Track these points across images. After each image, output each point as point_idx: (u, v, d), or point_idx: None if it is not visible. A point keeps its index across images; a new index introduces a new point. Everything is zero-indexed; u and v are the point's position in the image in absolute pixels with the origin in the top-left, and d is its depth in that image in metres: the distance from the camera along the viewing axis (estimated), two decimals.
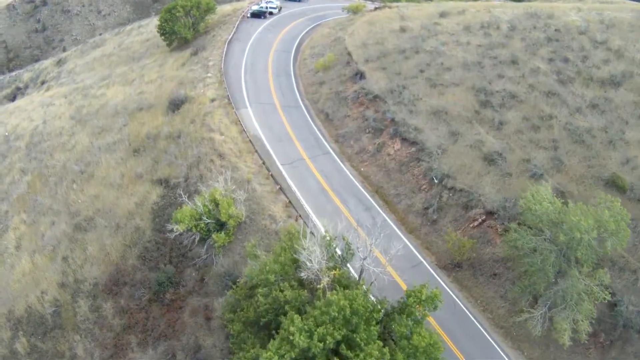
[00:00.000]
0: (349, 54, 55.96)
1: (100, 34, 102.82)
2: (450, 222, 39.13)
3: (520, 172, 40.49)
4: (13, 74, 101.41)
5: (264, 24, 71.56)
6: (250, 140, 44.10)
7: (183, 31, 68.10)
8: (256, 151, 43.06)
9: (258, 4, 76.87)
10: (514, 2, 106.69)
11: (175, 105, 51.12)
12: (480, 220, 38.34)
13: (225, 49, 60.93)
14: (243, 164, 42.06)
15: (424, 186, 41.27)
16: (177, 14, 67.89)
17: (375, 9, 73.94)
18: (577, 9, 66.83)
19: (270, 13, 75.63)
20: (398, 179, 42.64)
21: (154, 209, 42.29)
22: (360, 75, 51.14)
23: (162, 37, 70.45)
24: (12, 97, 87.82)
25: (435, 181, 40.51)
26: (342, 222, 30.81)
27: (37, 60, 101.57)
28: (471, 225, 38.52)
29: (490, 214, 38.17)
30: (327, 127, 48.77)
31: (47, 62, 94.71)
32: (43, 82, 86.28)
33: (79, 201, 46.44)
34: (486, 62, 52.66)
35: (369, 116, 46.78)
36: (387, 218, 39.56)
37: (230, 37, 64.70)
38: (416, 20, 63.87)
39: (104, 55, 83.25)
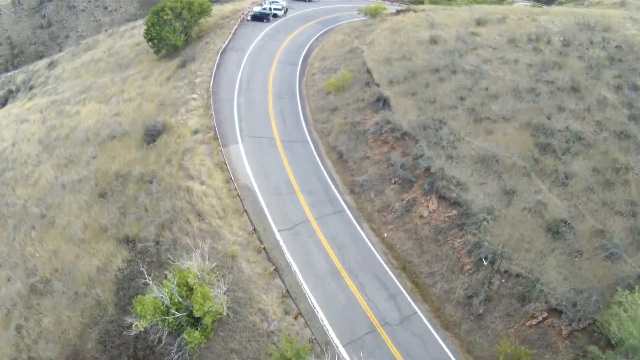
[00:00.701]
0: (369, 71, 45.05)
1: (107, 29, 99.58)
2: (501, 318, 28.66)
3: (593, 249, 29.89)
4: (9, 74, 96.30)
5: (266, 28, 60.69)
6: (238, 194, 33.51)
7: (172, 37, 57.49)
8: (245, 211, 32.48)
9: (260, 5, 65.88)
10: (549, 7, 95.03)
11: (151, 136, 40.72)
12: (540, 318, 27.83)
13: (217, 61, 50.21)
14: (227, 230, 31.56)
15: (468, 266, 30.58)
16: (165, 17, 57.21)
17: (398, 12, 62.69)
18: (631, 20, 55.63)
19: (275, 15, 64.68)
20: (433, 252, 31.97)
21: (118, 277, 32.85)
22: (383, 102, 40.25)
23: (149, 44, 59.93)
24: (4, 101, 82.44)
25: (485, 263, 29.81)
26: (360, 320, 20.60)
27: (41, 57, 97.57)
28: (528, 324, 28.05)
29: (554, 310, 27.68)
30: (340, 171, 38.05)
31: (40, 64, 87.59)
32: (31, 88, 78.76)
33: (37, 255, 38.43)
34: (541, 87, 41.62)
35: (395, 160, 35.96)
36: (416, 308, 29.14)
37: (224, 46, 53.93)
38: (449, 29, 52.72)
39: (92, 61, 74.26)
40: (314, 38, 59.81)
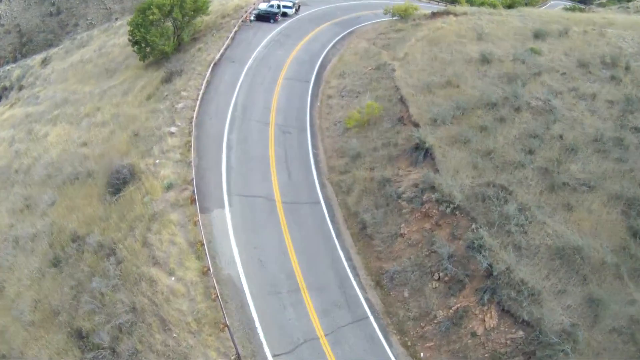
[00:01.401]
0: (403, 101, 34.47)
1: (116, 18, 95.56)
2: None
3: None
4: (7, 67, 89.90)
5: (272, 31, 49.93)
6: (218, 295, 23.45)
7: (159, 42, 47.04)
8: (227, 326, 22.46)
9: (267, 1, 54.88)
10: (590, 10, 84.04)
11: (116, 185, 30.87)
12: None
13: (207, 77, 39.78)
14: (201, 352, 21.68)
15: None
16: (152, 17, 46.61)
17: (434, 14, 51.48)
18: None
19: (284, 15, 53.75)
20: None
21: None
22: (424, 152, 29.74)
23: (134, 49, 49.59)
24: None
25: None
26: None
27: (50, 45, 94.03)
28: None
29: None
30: (362, 251, 27.82)
31: (36, 59, 79.81)
32: (20, 88, 70.61)
33: None
34: (629, 138, 30.81)
35: (440, 246, 25.63)
36: None
37: (219, 56, 43.38)
38: (502, 43, 41.77)
39: (81, 62, 64.87)
40: (331, 45, 49.05)
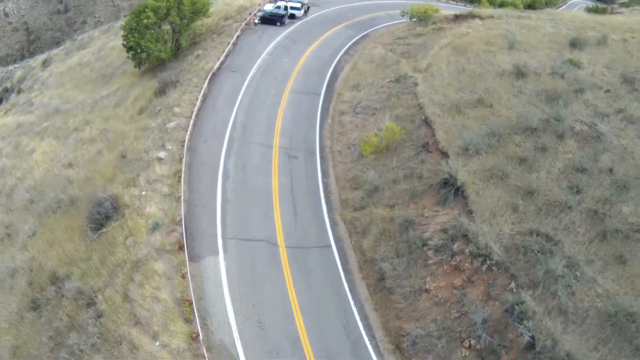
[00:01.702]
0: (427, 122, 30.15)
1: (125, 16, 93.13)
2: None
3: None
4: (10, 67, 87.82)
5: (279, 36, 45.65)
6: None
7: (154, 48, 43.03)
8: None
9: (274, 2, 50.46)
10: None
11: (98, 220, 27.02)
12: None
13: (204, 90, 35.70)
14: None
15: None
16: (146, 21, 42.55)
17: (457, 17, 46.85)
18: None
19: (292, 17, 49.41)
20: None
21: None
22: (454, 190, 25.44)
23: (128, 55, 45.68)
24: None
25: None
26: None
27: (57, 43, 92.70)
28: None
29: None
30: (380, 306, 23.65)
31: (38, 60, 77.31)
32: (19, 92, 67.71)
33: None
34: None
35: (473, 308, 21.48)
36: None
37: (218, 64, 39.24)
38: (536, 52, 37.18)
39: (80, 65, 61.58)
40: (343, 50, 44.69)
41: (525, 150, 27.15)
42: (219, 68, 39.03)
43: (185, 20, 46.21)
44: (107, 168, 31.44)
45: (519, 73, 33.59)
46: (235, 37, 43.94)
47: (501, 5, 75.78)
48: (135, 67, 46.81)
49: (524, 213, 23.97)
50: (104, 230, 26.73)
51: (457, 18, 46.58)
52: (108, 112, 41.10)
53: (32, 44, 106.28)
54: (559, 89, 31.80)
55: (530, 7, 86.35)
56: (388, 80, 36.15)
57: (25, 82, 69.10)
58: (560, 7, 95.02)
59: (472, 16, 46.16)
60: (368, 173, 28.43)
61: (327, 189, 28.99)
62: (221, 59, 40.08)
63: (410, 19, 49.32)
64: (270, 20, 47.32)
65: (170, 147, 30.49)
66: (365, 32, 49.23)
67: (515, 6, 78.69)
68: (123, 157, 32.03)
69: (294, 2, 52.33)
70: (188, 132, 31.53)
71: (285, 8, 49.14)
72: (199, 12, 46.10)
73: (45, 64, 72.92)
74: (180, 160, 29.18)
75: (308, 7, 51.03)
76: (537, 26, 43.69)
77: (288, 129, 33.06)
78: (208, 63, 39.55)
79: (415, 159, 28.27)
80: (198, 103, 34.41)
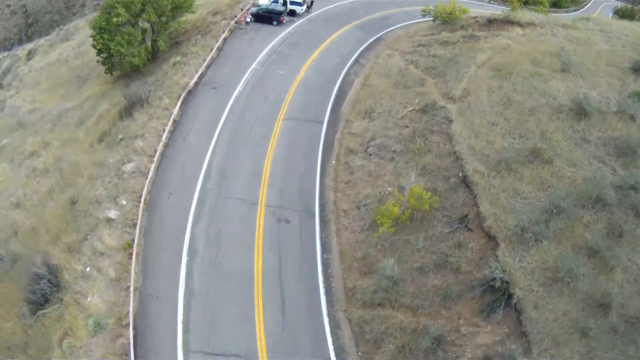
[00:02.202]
0: (467, 183, 22.38)
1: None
2: None
3: None
4: (5, 53, 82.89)
5: (275, 37, 37.42)
6: None
7: (125, 52, 35.13)
8: None
9: None
10: None
11: (36, 301, 20.38)
12: None
13: (173, 116, 27.82)
14: None
15: None
16: (116, 20, 34.54)
17: (491, 22, 38.50)
18: None
19: (292, 13, 41.05)
20: None
21: None
22: (506, 297, 17.87)
23: (99, 58, 37.78)
24: None
25: None
26: None
27: (56, 27, 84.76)
28: None
29: None
30: None
31: (25, 50, 71.17)
32: (0, 87, 61.19)
33: None
34: None
35: None
36: None
37: (196, 78, 31.22)
38: (593, 78, 29.92)
39: (59, 61, 54.02)
40: (353, 59, 36.57)
41: (596, 234, 19.58)
42: (197, 83, 31.01)
43: (165, 18, 38.00)
44: (55, 218, 24.28)
45: (580, 111, 25.71)
46: (221, 40, 35.73)
47: (525, 3, 67.68)
48: (106, 72, 38.94)
49: (596, 340, 16.56)
50: (41, 314, 19.76)
51: (492, 23, 38.25)
52: (69, 133, 33.54)
53: (30, 27, 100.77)
54: (632, 139, 24.00)
55: (555, 5, 77.84)
56: (411, 108, 28.15)
57: (7, 77, 62.74)
58: (584, 5, 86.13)
59: (509, 22, 37.83)
60: (384, 258, 20.75)
61: (328, 271, 21.36)
62: (201, 69, 32.02)
63: (434, 20, 40.99)
64: (266, 17, 38.87)
65: (124, 203, 22.86)
66: (379, 35, 40.93)
67: (542, 4, 70.31)
68: (73, 203, 24.71)
69: None
70: (148, 180, 23.83)
71: (284, 3, 40.69)
72: (181, 7, 37.85)
73: (29, 55, 66.59)
74: (134, 224, 21.59)
75: (311, 2, 42.55)
76: (587, 40, 35.53)
77: (279, 175, 25.24)
78: (184, 76, 31.46)
79: (449, 239, 20.57)
80: (165, 134, 26.58)
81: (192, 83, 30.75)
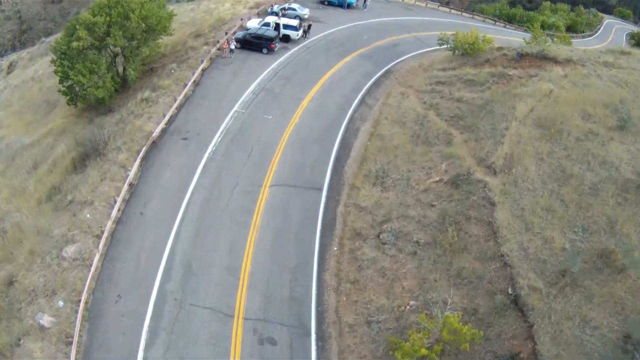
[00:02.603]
0: (519, 305, 16.05)
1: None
2: None
3: None
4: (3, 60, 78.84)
5: (264, 70, 31.04)
6: None
7: (87, 83, 28.83)
8: None
9: (263, 17, 35.72)
10: None
11: None
12: None
13: (129, 178, 21.31)
14: None
15: None
16: (76, 45, 28.39)
17: (522, 58, 32.47)
18: None
19: (285, 39, 34.76)
20: None
21: None
22: None
23: (61, 87, 31.39)
24: None
25: None
26: None
27: (50, 34, 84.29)
28: None
29: None
30: None
31: (6, 62, 66.09)
32: None
33: None
34: None
35: None
36: None
37: (163, 124, 24.78)
38: None
39: (33, 79, 48.23)
40: (358, 98, 30.27)
41: None
42: (164, 130, 24.57)
43: (135, 42, 31.62)
44: None
45: None
46: (199, 71, 29.31)
47: (541, 27, 62.63)
48: (68, 104, 32.45)
49: None
50: None
51: (523, 58, 32.22)
52: (20, 180, 26.84)
53: (24, 33, 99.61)
54: None
55: (570, 28, 72.88)
56: (437, 178, 21.86)
57: None
58: (598, 28, 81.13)
59: (543, 57, 31.82)
60: None
61: None
62: (171, 111, 25.58)
63: (453, 51, 34.93)
64: (254, 44, 32.48)
65: (60, 305, 16.67)
66: (388, 67, 34.76)
67: (557, 28, 65.23)
68: (10, 284, 18.25)
69: (290, 15, 37.86)
70: (92, 273, 17.49)
71: (276, 27, 34.34)
72: (154, 30, 31.45)
73: (10, 68, 61.95)
74: (69, 341, 15.17)
75: (309, 26, 36.27)
76: (637, 84, 29.57)
77: (263, 271, 18.79)
78: (150, 119, 25.08)
79: None
80: (118, 205, 20.15)
81: (157, 130, 24.30)
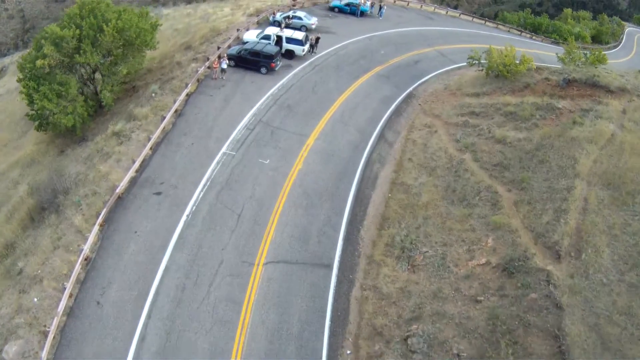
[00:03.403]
0: None
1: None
2: None
3: None
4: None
5: (262, 95, 25.81)
6: None
7: (53, 109, 24.29)
8: None
9: (264, 27, 30.67)
10: None
11: None
12: None
13: (85, 251, 16.28)
14: None
15: None
16: (40, 64, 23.81)
17: (570, 85, 27.12)
18: None
19: (288, 55, 29.56)
20: None
21: None
22: None
23: (29, 111, 26.64)
24: None
25: None
26: None
27: None
28: None
29: None
30: None
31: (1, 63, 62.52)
32: None
33: None
34: None
35: None
36: None
37: (132, 172, 19.69)
38: None
39: (17, 89, 43.69)
40: (376, 132, 25.11)
41: None
42: (133, 180, 19.52)
43: (111, 58, 26.57)
44: None
45: None
46: (182, 96, 24.15)
47: (566, 39, 57.26)
48: (36, 130, 27.50)
49: None
50: None
51: (570, 86, 26.95)
52: None
53: (27, 32, 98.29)
54: None
55: (594, 39, 67.26)
56: (483, 260, 16.77)
57: None
58: (621, 39, 75.33)
59: (594, 85, 26.52)
60: None
61: None
62: (143, 153, 20.49)
63: (487, 73, 29.67)
64: (251, 62, 27.28)
65: None
66: (410, 89, 29.56)
67: (583, 39, 59.75)
68: None
69: (295, 25, 32.68)
70: None
71: (278, 41, 29.15)
72: (132, 44, 26.35)
73: (0, 74, 58.07)
74: None
75: (317, 39, 30.92)
76: None
77: None
78: (119, 164, 20.11)
79: None
80: (69, 290, 15.24)
81: (125, 180, 19.24)
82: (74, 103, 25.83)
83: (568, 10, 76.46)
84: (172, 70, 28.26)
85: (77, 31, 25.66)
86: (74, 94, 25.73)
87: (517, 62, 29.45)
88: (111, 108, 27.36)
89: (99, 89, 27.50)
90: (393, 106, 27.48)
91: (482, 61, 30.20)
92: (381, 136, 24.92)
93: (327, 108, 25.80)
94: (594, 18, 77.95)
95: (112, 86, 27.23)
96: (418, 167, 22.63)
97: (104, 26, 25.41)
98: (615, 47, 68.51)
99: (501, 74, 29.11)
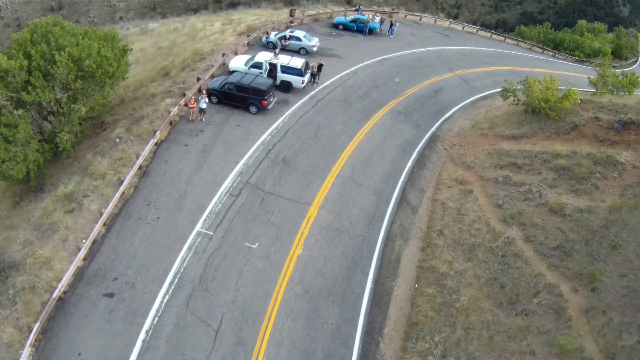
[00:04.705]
0: None
1: (120, 17, 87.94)
2: None
3: None
4: None
5: (250, 145, 20.56)
6: None
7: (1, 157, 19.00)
8: None
9: (254, 51, 25.52)
10: None
11: None
12: None
13: None
14: None
15: None
16: None
17: (626, 127, 22.13)
18: None
19: (285, 87, 24.39)
20: None
21: None
22: None
23: None
24: None
25: None
26: None
27: None
28: None
29: None
30: None
31: None
32: None
33: None
34: None
35: None
36: None
37: (75, 267, 14.53)
38: None
39: None
40: (396, 195, 19.94)
41: None
42: (80, 273, 14.50)
43: (68, 93, 21.55)
44: None
45: None
46: (149, 147, 19.11)
47: (588, 55, 52.51)
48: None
49: None
50: None
51: (627, 128, 21.99)
52: None
53: None
54: None
55: (614, 53, 62.15)
56: None
57: None
58: (638, 51, 70.09)
59: None
60: None
61: None
62: (95, 232, 15.46)
63: (526, 111, 24.68)
64: (237, 99, 22.18)
65: None
66: (433, 129, 24.55)
67: (604, 55, 54.90)
68: None
69: (294, 47, 27.69)
70: None
71: (272, 69, 24.06)
72: (92, 76, 21.31)
73: None
74: None
75: (319, 66, 25.50)
76: None
77: None
78: (64, 245, 15.16)
79: None
80: None
81: (69, 274, 14.22)
82: (26, 149, 20.86)
83: (583, 22, 71.31)
84: (144, 105, 23.20)
85: (26, 61, 20.75)
86: (24, 137, 20.76)
87: (559, 94, 24.52)
88: (70, 153, 22.40)
89: (57, 130, 22.52)
90: (415, 154, 22.43)
91: (518, 95, 25.20)
92: (402, 198, 19.86)
93: (333, 161, 20.72)
94: (611, 30, 72.91)
95: (71, 126, 22.23)
96: (452, 245, 17.62)
97: (57, 55, 20.42)
98: (634, 62, 63.40)
99: (544, 111, 24.11)
